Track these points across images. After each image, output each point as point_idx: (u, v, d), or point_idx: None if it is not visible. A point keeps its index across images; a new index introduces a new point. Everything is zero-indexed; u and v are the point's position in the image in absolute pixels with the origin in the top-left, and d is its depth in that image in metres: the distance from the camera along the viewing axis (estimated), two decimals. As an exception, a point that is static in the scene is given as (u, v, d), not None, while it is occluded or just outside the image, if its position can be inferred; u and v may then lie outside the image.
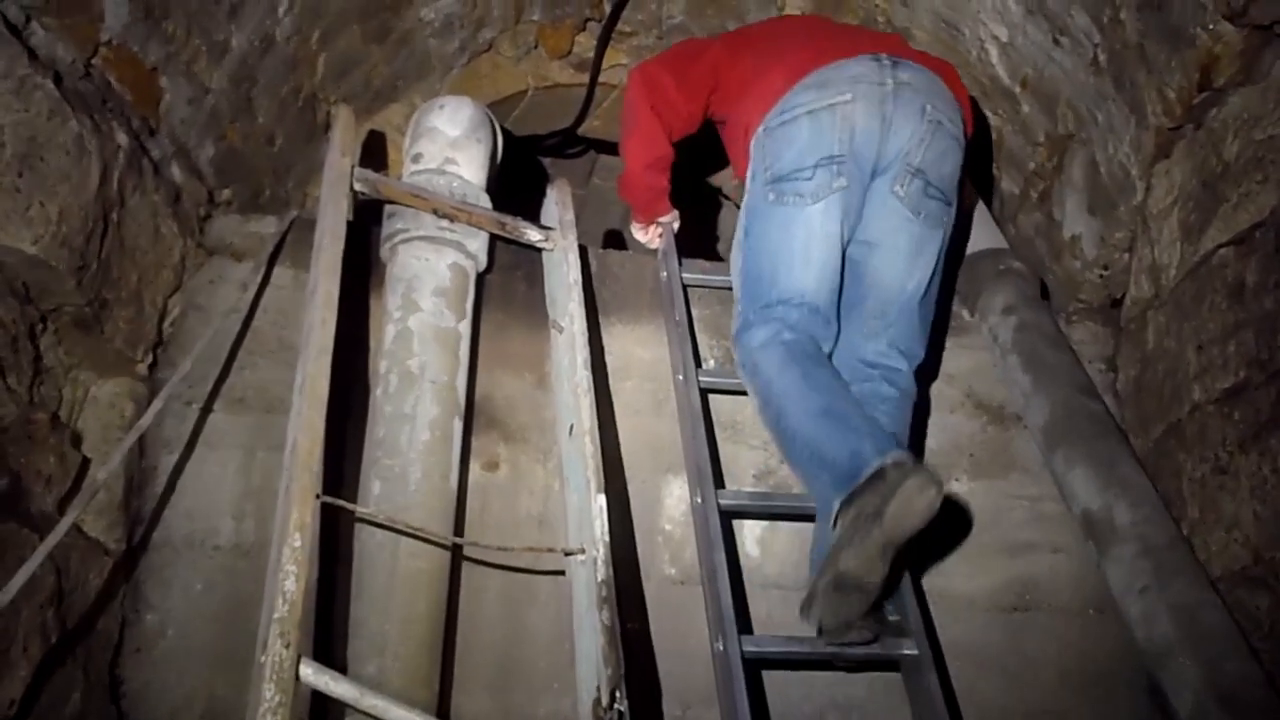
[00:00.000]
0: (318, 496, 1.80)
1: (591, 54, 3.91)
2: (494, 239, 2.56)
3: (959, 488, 2.55)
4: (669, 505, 2.46)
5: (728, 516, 2.32)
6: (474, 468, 2.41)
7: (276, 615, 1.61)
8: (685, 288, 2.65)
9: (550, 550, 2.24)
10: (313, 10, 2.88)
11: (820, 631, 2.05)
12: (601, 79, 3.94)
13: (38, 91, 1.94)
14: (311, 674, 1.63)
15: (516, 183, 3.21)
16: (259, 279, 2.51)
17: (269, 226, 2.64)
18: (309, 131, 3.20)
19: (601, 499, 2.02)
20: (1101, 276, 2.78)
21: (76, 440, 2.15)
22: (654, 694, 2.24)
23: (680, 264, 2.70)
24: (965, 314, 2.79)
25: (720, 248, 4.43)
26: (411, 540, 2.07)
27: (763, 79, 2.48)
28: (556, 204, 2.61)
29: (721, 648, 2.02)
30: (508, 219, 2.51)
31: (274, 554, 1.73)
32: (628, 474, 2.45)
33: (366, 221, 2.56)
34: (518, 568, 2.31)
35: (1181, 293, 2.38)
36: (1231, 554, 2.10)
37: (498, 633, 2.28)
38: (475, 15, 3.65)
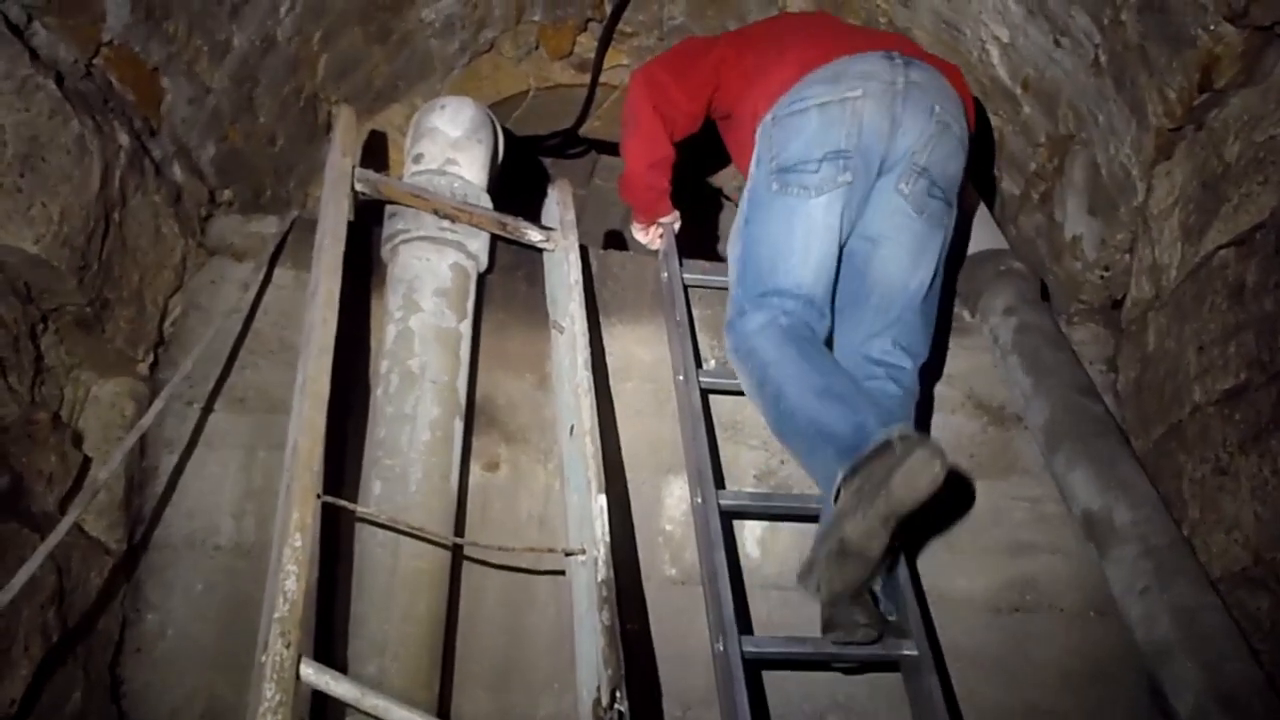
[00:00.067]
0: (319, 496, 1.80)
1: (592, 54, 3.91)
2: (495, 239, 2.57)
3: (959, 487, 2.54)
4: (669, 506, 2.46)
5: (728, 517, 2.32)
6: (474, 468, 2.42)
7: (277, 615, 1.61)
8: (686, 288, 2.65)
9: (551, 551, 2.24)
10: (314, 10, 2.88)
11: (819, 595, 2.06)
12: (602, 79, 3.95)
13: (39, 92, 1.94)
14: (312, 674, 1.64)
15: (518, 183, 3.21)
16: (260, 279, 2.51)
17: (270, 226, 2.64)
18: (310, 132, 3.20)
19: (602, 499, 2.02)
20: (1102, 277, 2.78)
21: (77, 440, 2.15)
22: (654, 694, 2.25)
23: (681, 264, 2.70)
24: (966, 315, 2.79)
25: (721, 248, 4.43)
26: (412, 540, 2.07)
27: (773, 68, 2.48)
28: (557, 204, 2.61)
29: (722, 648, 2.02)
30: (509, 219, 2.52)
31: (275, 554, 1.73)
32: (628, 474, 2.45)
33: (368, 222, 2.56)
34: (518, 568, 2.31)
35: (1182, 294, 2.38)
36: (1232, 555, 2.10)
37: (498, 633, 2.28)
38: (476, 16, 3.65)
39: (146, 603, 2.22)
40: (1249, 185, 2.16)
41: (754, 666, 2.18)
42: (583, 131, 4.13)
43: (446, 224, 2.43)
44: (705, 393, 2.48)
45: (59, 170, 1.99)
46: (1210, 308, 2.25)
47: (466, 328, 2.42)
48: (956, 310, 2.78)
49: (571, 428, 2.22)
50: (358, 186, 2.42)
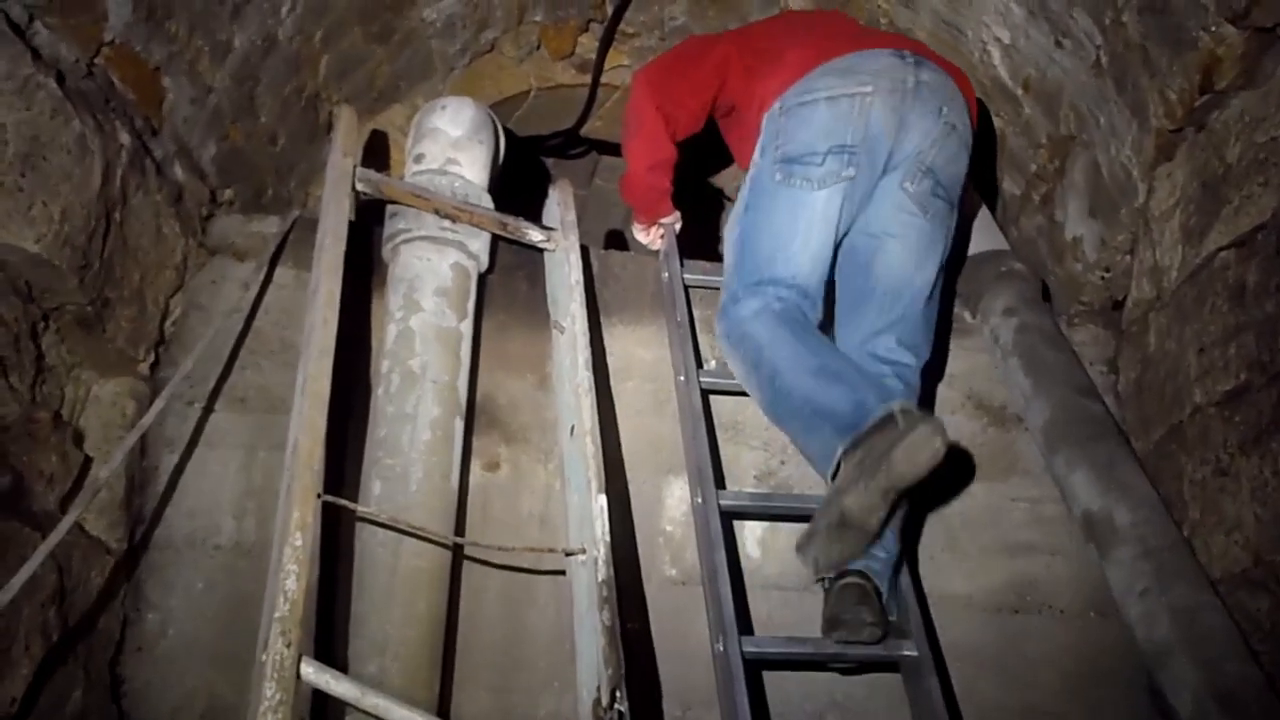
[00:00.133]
0: (319, 496, 1.80)
1: (594, 55, 3.92)
2: (496, 239, 2.57)
3: (959, 488, 2.55)
4: (670, 506, 2.46)
5: (728, 517, 2.32)
6: (475, 468, 2.42)
7: (278, 614, 1.62)
8: (687, 288, 2.65)
9: (551, 550, 2.24)
10: (315, 10, 2.88)
11: (816, 566, 2.09)
12: (604, 80, 3.95)
13: (40, 91, 1.94)
14: (312, 673, 1.64)
15: (519, 183, 3.21)
16: (261, 279, 2.52)
17: (271, 226, 2.64)
18: (311, 131, 3.20)
19: (602, 499, 2.03)
20: (1103, 279, 2.78)
21: (78, 439, 2.15)
22: (654, 694, 2.25)
23: (682, 265, 2.70)
24: (967, 316, 2.79)
25: (721, 249, 4.43)
26: (412, 540, 2.07)
27: (783, 59, 2.49)
28: (558, 204, 2.61)
29: (722, 648, 2.03)
30: (509, 219, 2.52)
31: (275, 553, 1.73)
32: (629, 474, 2.45)
33: (369, 221, 2.56)
34: (518, 567, 2.31)
35: (1183, 295, 2.38)
36: (1232, 556, 2.10)
37: (498, 632, 2.28)
38: (478, 16, 3.66)
39: (147, 602, 2.22)
40: (1250, 187, 2.16)
41: (754, 666, 2.17)
42: (584, 132, 4.13)
43: (447, 224, 2.43)
44: (706, 393, 2.48)
45: (60, 169, 1.99)
46: (1211, 309, 2.25)
47: (467, 327, 2.42)
48: (957, 311, 2.78)
49: (572, 428, 2.22)
50: (359, 186, 2.42)
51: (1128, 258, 2.67)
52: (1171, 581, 2.10)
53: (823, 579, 2.15)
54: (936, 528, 2.49)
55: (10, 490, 1.89)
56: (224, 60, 2.57)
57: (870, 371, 2.30)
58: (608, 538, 1.98)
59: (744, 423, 2.55)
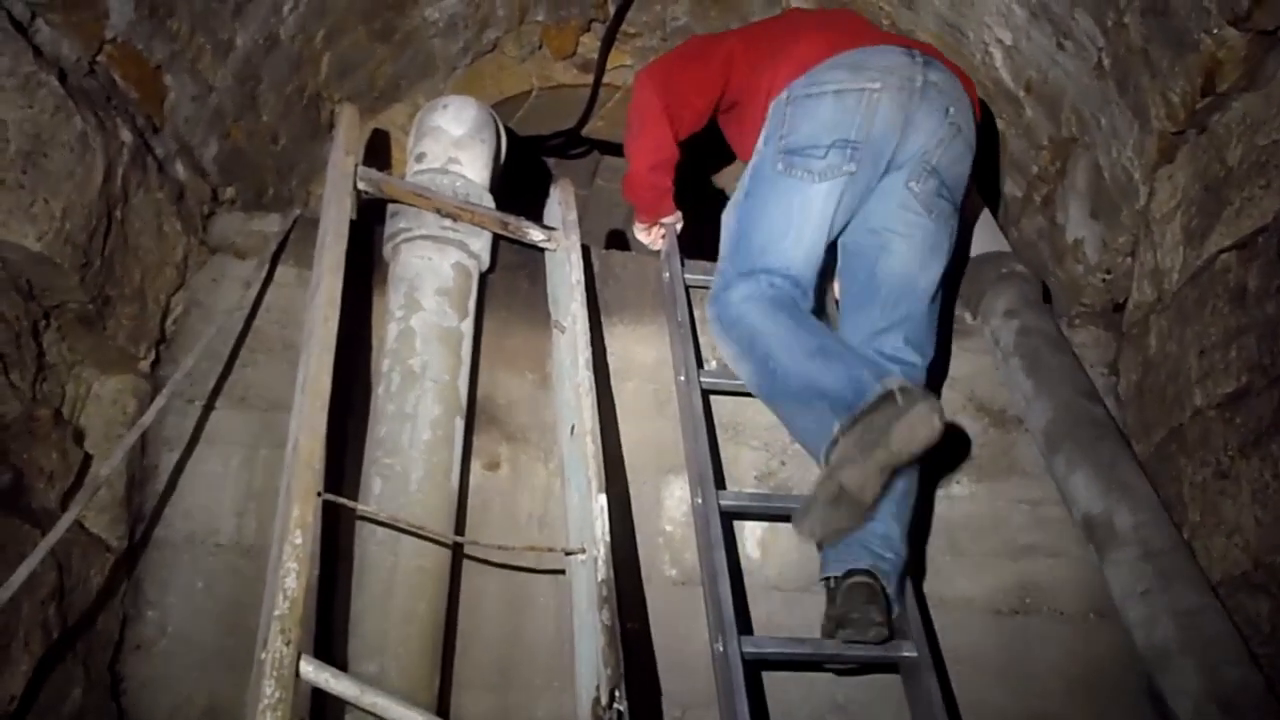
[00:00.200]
0: (319, 494, 1.80)
1: (596, 55, 3.91)
2: (497, 239, 2.57)
3: (960, 490, 2.55)
4: (670, 506, 2.46)
5: (728, 517, 2.32)
6: (475, 467, 2.42)
7: (277, 612, 1.62)
8: (688, 288, 2.65)
9: (551, 550, 2.24)
10: (317, 9, 2.88)
11: (814, 538, 2.14)
12: (605, 80, 3.95)
13: (42, 89, 1.94)
14: (312, 671, 1.64)
15: (520, 183, 3.21)
16: (262, 277, 2.51)
17: (272, 225, 2.64)
18: (313, 130, 3.20)
19: (602, 499, 2.03)
20: (1104, 280, 2.78)
21: (79, 437, 2.15)
22: (654, 694, 2.24)
23: (683, 265, 2.70)
24: (967, 317, 2.79)
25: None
26: (412, 539, 2.07)
27: (792, 50, 2.50)
28: (559, 204, 2.61)
29: (721, 649, 2.03)
30: (510, 219, 2.52)
31: (275, 551, 1.73)
32: (629, 474, 2.45)
33: (370, 220, 2.56)
34: (518, 567, 2.31)
35: (1184, 297, 2.38)
36: (1232, 559, 2.10)
37: (498, 632, 2.28)
38: (479, 15, 3.66)
39: (147, 600, 2.22)
40: (1251, 189, 2.16)
41: (754, 667, 2.18)
42: (585, 132, 4.13)
43: (448, 223, 2.43)
44: (706, 393, 2.48)
45: (61, 167, 1.99)
46: (1212, 311, 2.25)
47: (468, 327, 2.42)
48: (958, 312, 2.78)
49: (572, 427, 2.22)
50: (360, 185, 2.42)
51: (1129, 260, 2.67)
52: (1172, 584, 2.10)
53: (828, 578, 2.15)
54: (937, 529, 2.49)
55: (10, 487, 1.89)
56: (226, 59, 2.57)
57: (861, 353, 2.31)
58: (608, 537, 1.98)
59: (744, 423, 2.55)
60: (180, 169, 2.50)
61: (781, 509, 2.39)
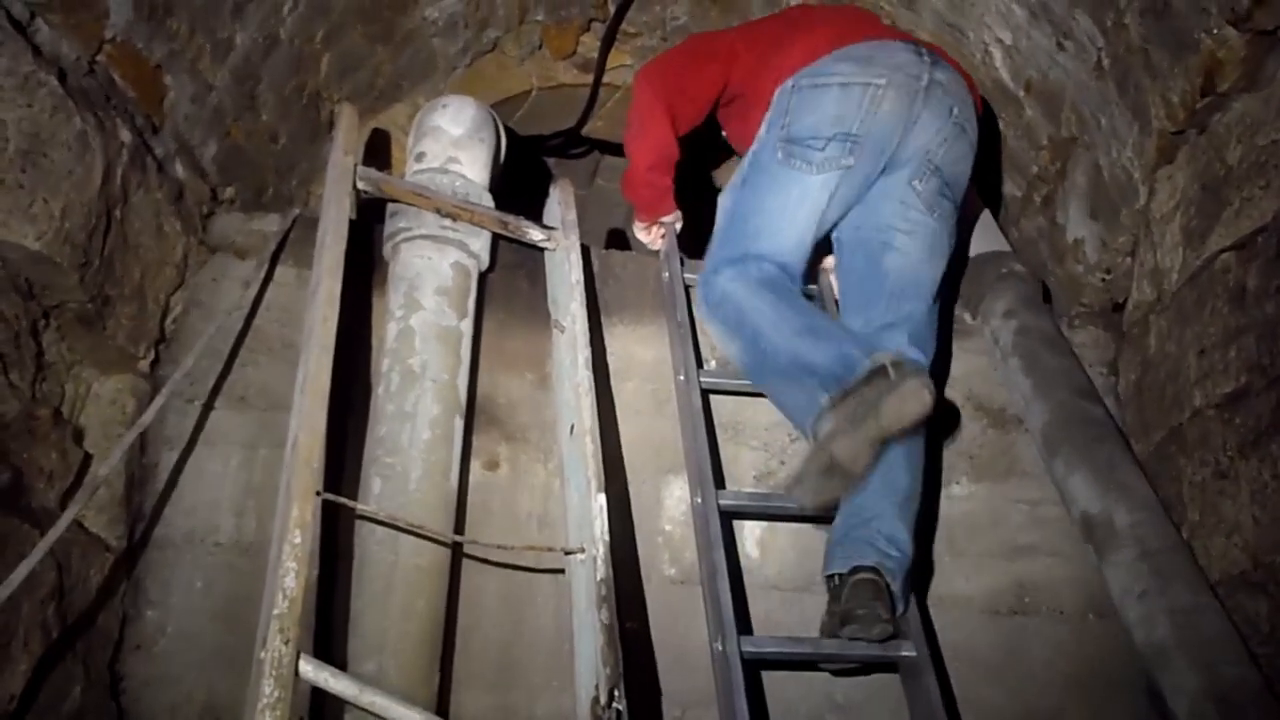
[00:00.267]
0: (319, 493, 1.80)
1: (596, 55, 3.92)
2: (496, 238, 2.57)
3: (959, 490, 2.55)
4: (669, 505, 2.46)
5: (728, 517, 2.32)
6: (475, 466, 2.42)
7: (276, 611, 1.62)
8: (687, 288, 2.65)
9: (550, 549, 2.24)
10: (317, 9, 2.88)
11: (805, 507, 2.19)
12: (605, 79, 3.95)
13: (41, 88, 1.94)
14: (311, 670, 1.64)
15: (520, 183, 3.21)
16: (261, 277, 2.52)
17: (272, 224, 2.64)
18: (312, 130, 3.20)
19: (601, 498, 2.03)
20: (1103, 280, 2.78)
21: (78, 436, 2.15)
22: (653, 694, 2.24)
23: (682, 264, 2.70)
24: (967, 317, 2.79)
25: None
26: (412, 538, 2.07)
27: (800, 41, 2.51)
28: (559, 204, 2.61)
29: (721, 648, 2.03)
30: (510, 218, 2.52)
31: (274, 551, 1.73)
32: (628, 474, 2.45)
33: (369, 220, 2.57)
34: (517, 566, 2.31)
35: (1183, 297, 2.38)
36: (1231, 559, 2.10)
37: (497, 631, 2.28)
38: (479, 15, 3.66)
39: (146, 600, 2.22)
40: (1250, 189, 2.16)
41: (753, 666, 2.18)
42: (585, 131, 4.13)
43: (448, 223, 2.44)
44: (706, 393, 2.49)
45: (61, 167, 1.99)
46: (1211, 311, 2.25)
47: (467, 326, 2.42)
48: (958, 312, 2.78)
49: (572, 427, 2.22)
50: (360, 185, 2.42)
51: (1128, 260, 2.68)
52: (1170, 583, 2.10)
53: (832, 575, 2.14)
54: (936, 529, 2.49)
55: (10, 487, 1.89)
56: (225, 58, 2.57)
57: (850, 330, 2.35)
58: (607, 537, 1.98)
59: (744, 423, 2.56)
60: (180, 168, 2.50)
61: (781, 509, 2.40)
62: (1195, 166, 2.37)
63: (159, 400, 2.15)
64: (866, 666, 2.26)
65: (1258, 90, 2.19)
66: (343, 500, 1.98)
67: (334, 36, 3.06)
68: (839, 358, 2.15)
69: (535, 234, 2.54)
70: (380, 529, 2.08)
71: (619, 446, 2.47)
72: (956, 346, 2.72)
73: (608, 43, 3.87)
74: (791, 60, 2.47)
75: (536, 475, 2.45)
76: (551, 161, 4.40)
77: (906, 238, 2.40)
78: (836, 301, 2.62)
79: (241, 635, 1.97)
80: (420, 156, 2.58)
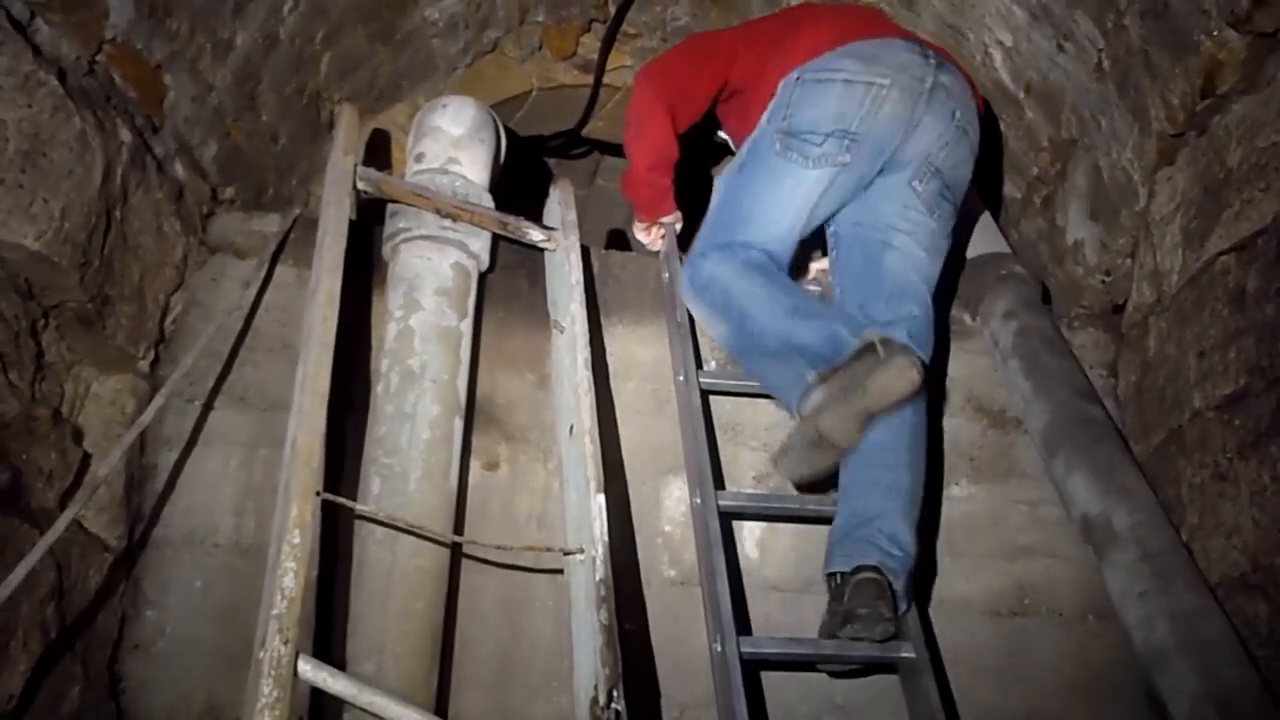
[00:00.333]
0: (318, 493, 1.80)
1: (596, 55, 3.91)
2: (496, 238, 2.57)
3: (959, 491, 2.55)
4: (669, 506, 2.46)
5: (727, 518, 2.32)
6: (474, 467, 2.42)
7: (275, 611, 1.62)
8: (687, 289, 2.65)
9: (549, 550, 2.24)
10: (317, 9, 2.88)
11: (793, 478, 2.26)
12: (606, 80, 3.95)
13: (41, 88, 1.94)
14: (309, 670, 1.64)
15: (520, 183, 3.21)
16: (261, 277, 2.52)
17: (272, 224, 2.64)
18: (313, 130, 3.20)
19: (601, 499, 2.03)
20: (1103, 282, 2.78)
21: (78, 436, 2.15)
22: (652, 694, 2.24)
23: (682, 264, 2.70)
24: (967, 318, 2.79)
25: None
26: (411, 538, 2.07)
27: (809, 32, 2.52)
28: (559, 204, 2.61)
29: (720, 649, 2.02)
30: (510, 219, 2.52)
31: (273, 550, 1.73)
32: (628, 475, 2.45)
33: (369, 220, 2.56)
34: (517, 567, 2.31)
35: (1183, 299, 2.38)
36: (1230, 560, 2.10)
37: (496, 631, 2.28)
38: (480, 16, 3.66)
39: (145, 600, 2.22)
40: (1250, 191, 2.16)
41: (752, 667, 2.18)
42: (586, 132, 4.13)
43: (448, 223, 2.43)
44: (705, 393, 2.49)
45: (61, 167, 1.99)
46: (1211, 313, 2.25)
47: (467, 327, 2.42)
48: (957, 313, 2.79)
49: (571, 427, 2.22)
50: (359, 185, 2.42)
51: (1128, 261, 2.67)
52: (1170, 585, 2.10)
53: (834, 573, 2.14)
54: (936, 530, 2.49)
55: (9, 487, 1.89)
56: (225, 59, 2.57)
57: (837, 310, 2.38)
58: (606, 537, 1.98)
59: (743, 423, 2.55)
60: (180, 168, 2.50)
61: (780, 510, 2.40)
62: (1195, 168, 2.37)
63: (158, 400, 2.15)
64: (865, 668, 2.26)
65: (1258, 92, 2.19)
66: (342, 500, 1.98)
67: (334, 37, 3.06)
68: (828, 338, 2.18)
69: (535, 234, 2.54)
70: (379, 529, 2.08)
71: (618, 447, 2.47)
72: (956, 348, 2.72)
73: (608, 43, 3.87)
74: (795, 56, 2.47)
75: (536, 476, 2.45)
76: (552, 162, 4.40)
77: (906, 237, 2.40)
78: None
79: (240, 635, 1.97)
80: (420, 157, 2.58)
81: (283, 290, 2.55)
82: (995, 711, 2.34)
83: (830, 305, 2.42)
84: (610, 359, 2.59)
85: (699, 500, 2.26)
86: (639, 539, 2.40)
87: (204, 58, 2.48)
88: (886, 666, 2.20)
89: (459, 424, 2.31)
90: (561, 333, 2.40)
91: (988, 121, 2.80)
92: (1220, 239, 2.25)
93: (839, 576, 2.12)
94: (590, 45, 3.99)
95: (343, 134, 2.46)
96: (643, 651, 2.26)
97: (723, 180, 2.55)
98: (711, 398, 2.53)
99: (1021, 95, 2.94)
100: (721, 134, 2.91)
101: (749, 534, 2.47)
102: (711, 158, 3.80)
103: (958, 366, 2.70)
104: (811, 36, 2.48)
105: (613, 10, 3.81)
